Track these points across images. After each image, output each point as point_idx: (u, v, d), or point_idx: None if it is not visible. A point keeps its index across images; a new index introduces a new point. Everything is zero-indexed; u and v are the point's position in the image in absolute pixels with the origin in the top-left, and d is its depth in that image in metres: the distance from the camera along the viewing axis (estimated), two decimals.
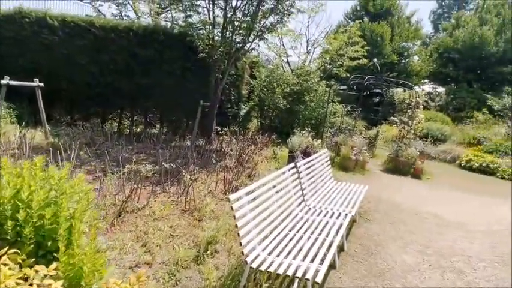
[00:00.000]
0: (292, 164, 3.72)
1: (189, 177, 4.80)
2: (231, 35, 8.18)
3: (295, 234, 3.26)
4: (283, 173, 3.62)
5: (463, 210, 6.11)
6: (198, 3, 8.09)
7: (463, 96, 17.87)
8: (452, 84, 19.45)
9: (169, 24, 8.79)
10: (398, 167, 8.85)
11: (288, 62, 13.35)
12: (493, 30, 18.64)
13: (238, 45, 8.26)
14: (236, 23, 8.04)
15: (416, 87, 16.50)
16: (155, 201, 4.50)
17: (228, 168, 6.22)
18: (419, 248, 4.18)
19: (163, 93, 9.04)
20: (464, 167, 10.60)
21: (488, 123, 14.77)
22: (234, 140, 8.95)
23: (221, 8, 7.92)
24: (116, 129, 9.46)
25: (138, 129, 9.85)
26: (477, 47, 18.76)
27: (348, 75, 12.75)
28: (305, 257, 2.77)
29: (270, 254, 2.82)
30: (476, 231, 5.03)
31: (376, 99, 20.40)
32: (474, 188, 8.20)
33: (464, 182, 8.86)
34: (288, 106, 11.15)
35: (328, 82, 13.02)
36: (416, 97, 9.58)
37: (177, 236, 3.69)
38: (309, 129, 11.53)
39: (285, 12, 7.73)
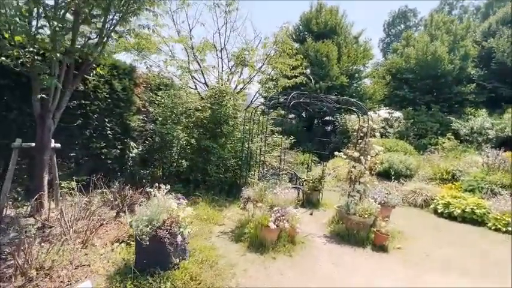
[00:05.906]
0: None
1: None
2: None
3: None
4: None
5: None
6: None
7: (423, 121, 15.58)
8: (410, 108, 17.27)
9: None
10: (351, 230, 5.55)
11: (206, 83, 10.09)
12: (445, 47, 17.00)
13: (68, 42, 4.81)
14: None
15: (371, 113, 13.92)
16: None
17: None
18: None
19: None
20: (441, 214, 7.61)
21: (457, 150, 12.25)
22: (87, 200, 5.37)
23: None
24: None
25: None
26: (431, 65, 16.93)
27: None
28: None
29: None
30: None
31: (328, 128, 17.72)
32: (468, 259, 5.01)
33: (451, 244, 5.68)
34: (195, 142, 7.68)
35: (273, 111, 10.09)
36: (369, 121, 6.53)
37: None
38: (229, 173, 8.21)
39: None
